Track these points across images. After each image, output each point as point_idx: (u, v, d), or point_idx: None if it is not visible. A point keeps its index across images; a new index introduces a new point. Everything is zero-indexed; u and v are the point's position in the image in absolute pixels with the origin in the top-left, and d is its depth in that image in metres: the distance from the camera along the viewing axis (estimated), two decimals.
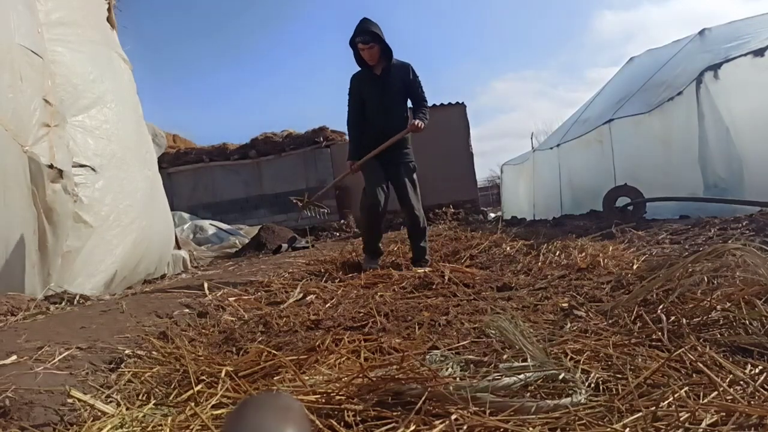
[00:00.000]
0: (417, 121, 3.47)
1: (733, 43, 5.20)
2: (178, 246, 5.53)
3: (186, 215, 9.63)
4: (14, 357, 1.40)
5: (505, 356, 1.31)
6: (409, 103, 3.64)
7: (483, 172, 30.82)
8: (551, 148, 8.66)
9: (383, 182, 3.55)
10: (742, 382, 0.99)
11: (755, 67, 4.61)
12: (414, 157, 3.65)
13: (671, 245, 2.94)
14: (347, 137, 3.72)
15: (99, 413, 1.16)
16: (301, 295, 2.66)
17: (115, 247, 3.50)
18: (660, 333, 1.34)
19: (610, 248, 2.98)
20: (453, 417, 0.94)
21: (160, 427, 1.07)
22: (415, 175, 3.62)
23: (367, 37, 3.40)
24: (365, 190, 3.59)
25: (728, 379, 1.00)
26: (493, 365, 1.24)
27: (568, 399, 0.99)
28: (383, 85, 3.53)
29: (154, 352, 1.63)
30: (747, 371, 1.04)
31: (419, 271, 3.04)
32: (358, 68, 3.60)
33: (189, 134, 15.34)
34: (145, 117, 4.83)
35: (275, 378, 1.34)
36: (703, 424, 0.84)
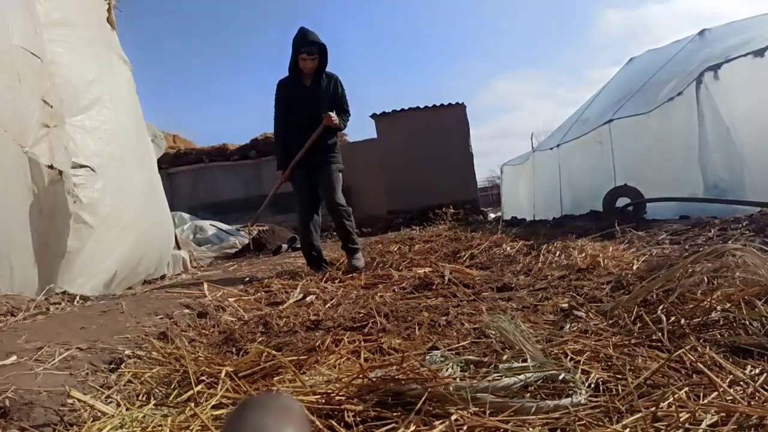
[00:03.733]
0: (330, 114, 3.48)
1: (733, 43, 5.20)
2: (178, 246, 5.53)
3: (186, 215, 9.61)
4: (14, 357, 1.40)
5: (505, 357, 1.31)
6: None
7: (483, 172, 30.85)
8: (551, 149, 8.66)
9: (313, 202, 3.64)
10: (742, 383, 0.99)
11: (755, 67, 4.60)
12: (341, 160, 3.71)
13: (671, 246, 2.94)
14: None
15: (99, 414, 1.16)
16: (301, 295, 2.66)
17: (115, 248, 3.50)
18: (660, 333, 1.34)
19: (610, 249, 2.98)
20: (453, 417, 0.94)
21: (160, 428, 1.07)
22: (340, 175, 3.67)
23: (313, 48, 3.41)
24: (297, 210, 3.70)
25: (728, 379, 1.00)
26: (493, 366, 1.24)
27: (568, 399, 0.99)
28: (313, 97, 3.53)
29: (154, 353, 1.62)
30: (747, 372, 1.04)
31: (419, 271, 3.04)
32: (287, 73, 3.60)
33: (189, 134, 15.34)
34: (145, 117, 4.83)
35: (275, 378, 1.34)
36: (703, 425, 0.84)
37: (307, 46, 3.39)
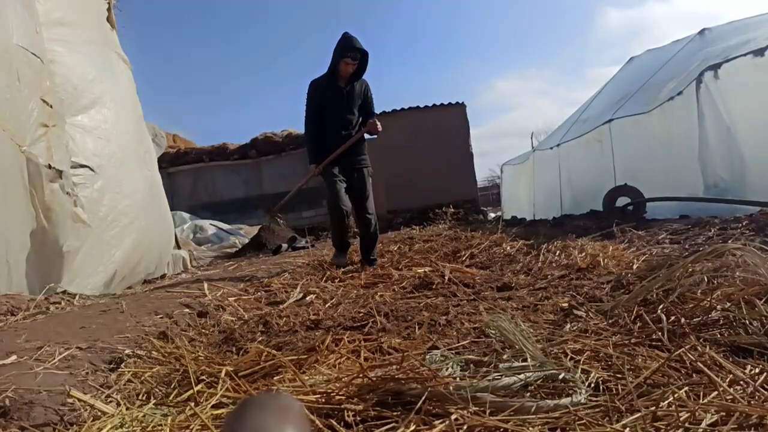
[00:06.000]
0: (377, 122, 3.64)
1: (733, 42, 5.20)
2: (178, 246, 5.53)
3: (186, 215, 9.61)
4: (14, 357, 1.40)
5: (505, 356, 1.31)
6: None
7: (483, 172, 30.85)
8: (551, 148, 8.66)
9: (344, 184, 3.70)
10: (742, 382, 0.99)
11: (755, 67, 4.60)
12: (370, 162, 3.83)
13: (671, 245, 2.94)
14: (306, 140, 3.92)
15: (99, 413, 1.16)
16: (301, 295, 2.66)
17: (114, 247, 3.50)
18: (660, 333, 1.34)
19: (610, 248, 2.98)
20: (453, 417, 0.94)
21: (160, 427, 1.07)
22: (370, 180, 3.80)
23: (357, 54, 3.55)
24: (328, 197, 3.74)
25: (728, 379, 1.00)
26: (493, 365, 1.24)
27: (568, 399, 0.99)
28: (346, 98, 3.66)
29: (154, 352, 1.62)
30: (747, 371, 1.04)
31: (419, 270, 3.04)
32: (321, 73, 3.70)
33: (189, 134, 15.33)
34: (145, 117, 4.83)
35: (275, 378, 1.34)
36: (703, 424, 0.84)
37: (353, 51, 3.52)
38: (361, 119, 3.76)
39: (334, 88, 3.64)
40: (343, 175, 3.69)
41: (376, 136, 3.89)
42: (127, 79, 4.54)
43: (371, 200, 3.74)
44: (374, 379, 1.10)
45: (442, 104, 11.71)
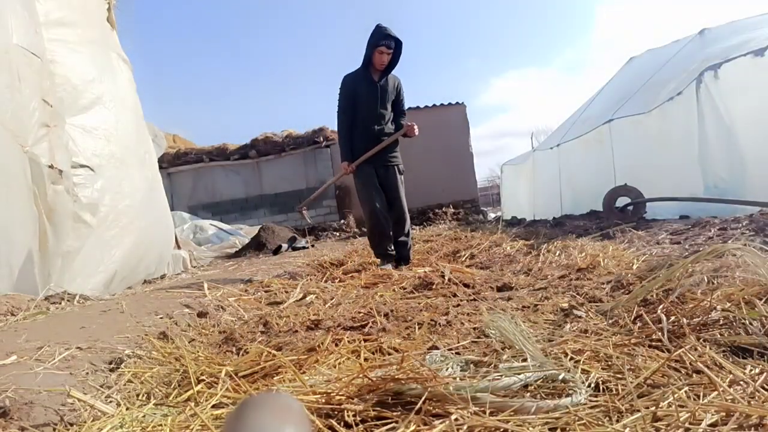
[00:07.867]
0: (415, 126, 3.60)
1: (733, 42, 5.20)
2: (178, 246, 5.53)
3: (186, 215, 9.61)
4: (14, 357, 1.40)
5: (505, 356, 1.31)
6: None
7: (483, 172, 30.92)
8: (551, 148, 8.66)
9: (379, 190, 3.65)
10: (742, 382, 0.99)
11: (755, 67, 4.61)
12: (402, 159, 3.79)
13: (671, 245, 2.94)
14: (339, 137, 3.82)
15: (99, 413, 1.16)
16: (301, 295, 2.66)
17: (114, 248, 3.50)
18: (660, 333, 1.34)
19: (610, 248, 2.98)
20: (453, 417, 0.94)
21: (160, 427, 1.07)
22: (402, 177, 3.76)
23: (392, 42, 3.50)
24: (364, 200, 3.67)
25: (728, 379, 1.00)
26: (493, 365, 1.24)
27: (568, 399, 0.99)
28: (381, 91, 3.61)
29: (154, 352, 1.62)
30: (747, 371, 1.04)
31: (419, 270, 3.04)
32: (354, 68, 3.67)
33: (189, 134, 15.36)
34: (145, 117, 4.83)
35: (275, 378, 1.34)
36: (703, 425, 0.84)
37: (387, 39, 3.47)
38: (392, 116, 3.72)
39: (368, 82, 3.59)
40: (377, 170, 3.64)
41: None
42: (128, 79, 4.54)
43: (403, 198, 3.69)
44: (374, 379, 1.10)
45: (442, 104, 11.72)
